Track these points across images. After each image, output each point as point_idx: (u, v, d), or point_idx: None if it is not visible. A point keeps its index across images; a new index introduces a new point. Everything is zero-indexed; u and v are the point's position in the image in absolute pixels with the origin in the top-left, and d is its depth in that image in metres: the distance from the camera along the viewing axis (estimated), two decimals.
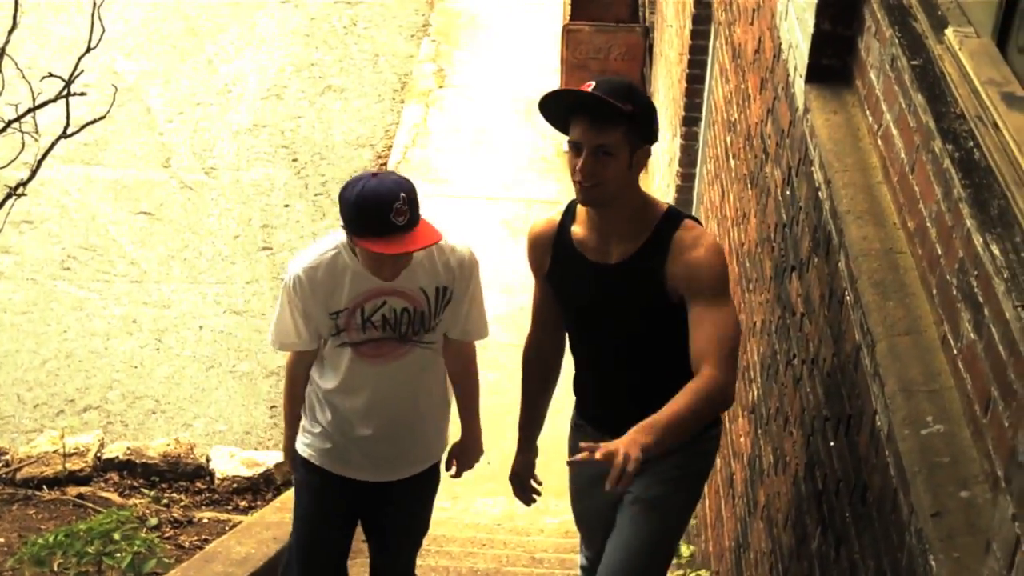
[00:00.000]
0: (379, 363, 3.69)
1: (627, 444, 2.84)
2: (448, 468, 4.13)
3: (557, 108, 3.28)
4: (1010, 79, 2.64)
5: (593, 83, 3.22)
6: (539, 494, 3.93)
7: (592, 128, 3.19)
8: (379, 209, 3.32)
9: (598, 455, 2.83)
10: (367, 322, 3.60)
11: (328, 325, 3.63)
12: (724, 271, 3.31)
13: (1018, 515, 1.74)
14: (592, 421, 3.65)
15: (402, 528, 4.13)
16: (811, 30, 3.55)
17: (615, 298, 3.41)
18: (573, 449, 3.72)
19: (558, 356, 3.77)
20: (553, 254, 3.51)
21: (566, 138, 3.29)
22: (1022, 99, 2.55)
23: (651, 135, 3.31)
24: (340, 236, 3.57)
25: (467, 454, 4.13)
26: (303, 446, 3.91)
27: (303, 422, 3.91)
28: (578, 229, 3.45)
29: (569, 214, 3.50)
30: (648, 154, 3.34)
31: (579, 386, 3.69)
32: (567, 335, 3.69)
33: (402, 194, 3.34)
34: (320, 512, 3.99)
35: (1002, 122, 2.52)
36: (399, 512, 4.06)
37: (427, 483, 4.04)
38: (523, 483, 3.89)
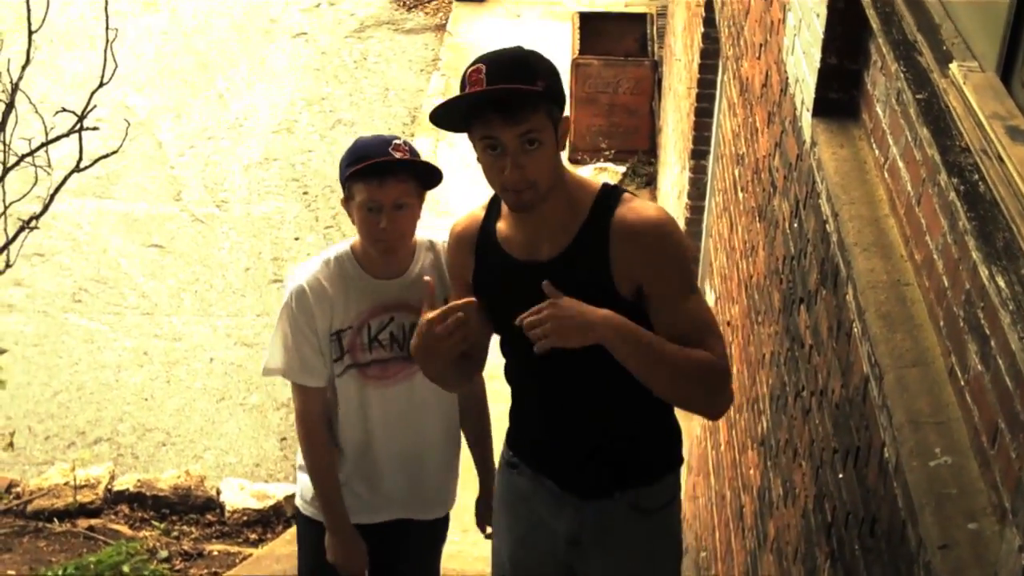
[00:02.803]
0: (385, 385, 3.45)
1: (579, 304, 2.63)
2: (482, 528, 3.84)
3: (454, 117, 2.77)
4: (1014, 113, 2.66)
5: (484, 67, 2.70)
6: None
7: (509, 122, 2.67)
8: (378, 143, 3.26)
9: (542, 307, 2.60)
10: (374, 341, 3.39)
11: (330, 347, 3.39)
12: (683, 251, 2.83)
13: None
14: (531, 458, 3.16)
15: None
16: (817, 64, 3.57)
17: None
18: (506, 493, 3.29)
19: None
20: (476, 257, 3.00)
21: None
22: None
23: (563, 99, 2.80)
24: (340, 247, 3.45)
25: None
26: (301, 500, 3.66)
27: (300, 474, 3.62)
28: (503, 225, 2.95)
29: (494, 208, 2.99)
30: (568, 123, 2.84)
31: (517, 416, 3.17)
32: (504, 355, 3.10)
33: (400, 136, 3.33)
34: (324, 568, 3.67)
35: (1006, 155, 2.53)
36: (409, 563, 3.82)
37: (439, 531, 3.85)
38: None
